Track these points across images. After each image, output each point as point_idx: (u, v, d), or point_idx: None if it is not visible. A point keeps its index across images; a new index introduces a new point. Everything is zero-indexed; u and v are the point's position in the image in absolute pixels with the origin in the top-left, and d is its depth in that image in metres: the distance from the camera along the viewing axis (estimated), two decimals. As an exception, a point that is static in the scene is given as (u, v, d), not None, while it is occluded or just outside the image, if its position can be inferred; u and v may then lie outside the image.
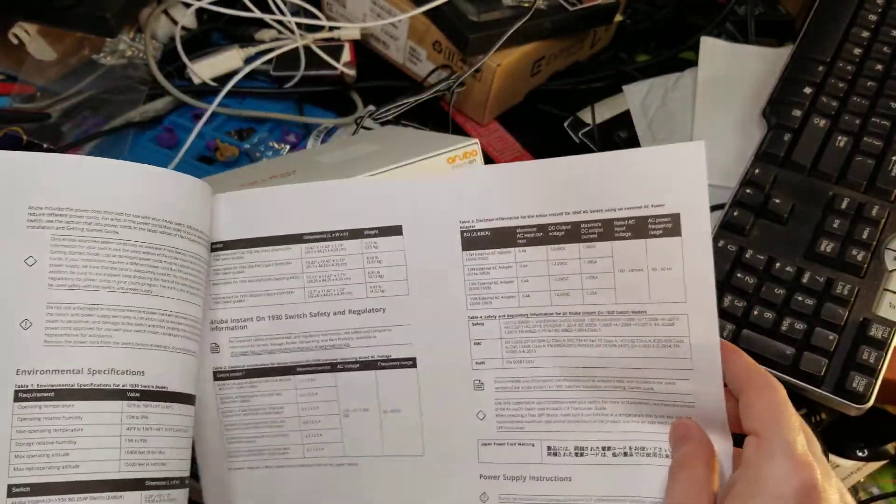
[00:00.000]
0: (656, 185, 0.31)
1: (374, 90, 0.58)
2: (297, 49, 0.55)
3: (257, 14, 0.53)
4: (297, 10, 0.56)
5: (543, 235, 0.33)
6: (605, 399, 0.33)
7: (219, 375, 0.36)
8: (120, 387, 0.31)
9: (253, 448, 0.36)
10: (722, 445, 0.31)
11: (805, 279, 0.39)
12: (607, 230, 0.32)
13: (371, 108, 0.54)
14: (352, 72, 0.57)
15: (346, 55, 0.56)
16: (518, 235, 0.33)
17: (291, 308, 0.35)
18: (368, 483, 0.35)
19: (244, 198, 0.35)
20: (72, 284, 0.30)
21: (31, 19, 0.52)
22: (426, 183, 0.34)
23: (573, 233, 0.32)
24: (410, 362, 0.34)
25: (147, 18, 0.56)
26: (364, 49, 0.58)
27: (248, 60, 0.56)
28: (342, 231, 0.34)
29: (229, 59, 0.56)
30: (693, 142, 0.31)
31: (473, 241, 0.33)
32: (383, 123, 0.52)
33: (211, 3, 0.54)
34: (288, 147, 0.54)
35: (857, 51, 0.48)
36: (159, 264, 0.32)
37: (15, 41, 0.53)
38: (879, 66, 0.47)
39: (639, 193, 0.31)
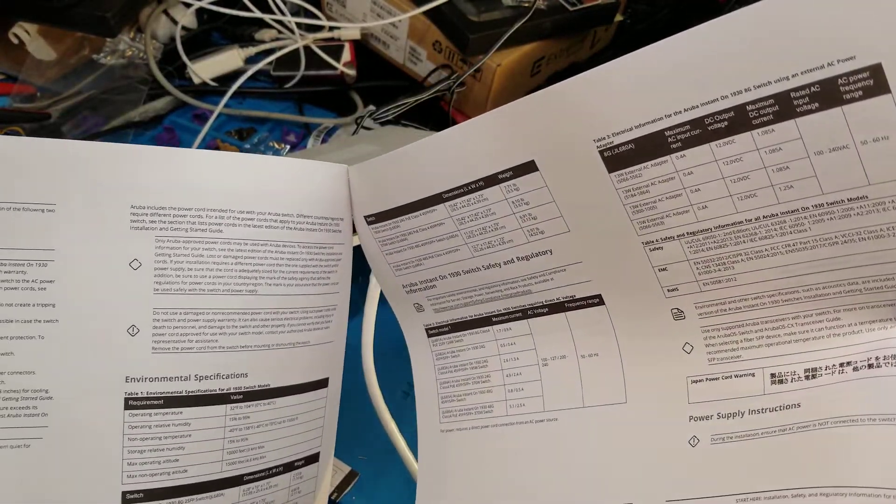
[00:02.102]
0: (835, 31, 0.24)
1: (374, 90, 0.58)
2: (297, 49, 0.55)
3: (257, 14, 0.53)
4: (297, 10, 0.56)
5: (702, 132, 0.26)
6: (838, 308, 0.28)
7: (430, 332, 0.35)
8: (224, 391, 0.31)
9: (462, 407, 0.34)
10: None
11: None
12: (785, 107, 0.25)
13: (371, 108, 0.54)
14: (352, 72, 0.57)
15: (346, 55, 0.56)
16: (669, 139, 0.27)
17: (464, 264, 0.33)
18: (570, 439, 0.32)
19: (370, 169, 0.33)
20: (178, 288, 0.29)
21: (31, 19, 0.52)
22: (543, 103, 0.28)
23: (739, 119, 0.25)
24: (597, 299, 0.31)
25: (147, 18, 0.56)
26: (364, 49, 0.58)
27: (248, 60, 0.56)
28: (477, 181, 0.31)
29: (229, 59, 0.56)
30: None
31: (617, 158, 0.28)
32: (383, 123, 0.52)
33: (211, 3, 0.54)
34: (288, 147, 0.54)
35: (858, 51, 0.48)
36: (267, 261, 0.31)
37: (15, 41, 0.53)
38: (880, 66, 0.47)
39: (814, 48, 0.24)
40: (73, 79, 0.54)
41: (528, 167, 0.29)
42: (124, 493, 0.29)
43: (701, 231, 0.28)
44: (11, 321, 0.28)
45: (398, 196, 0.32)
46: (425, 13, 0.52)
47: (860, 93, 0.24)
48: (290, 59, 0.56)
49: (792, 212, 0.26)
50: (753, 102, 0.25)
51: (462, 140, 0.30)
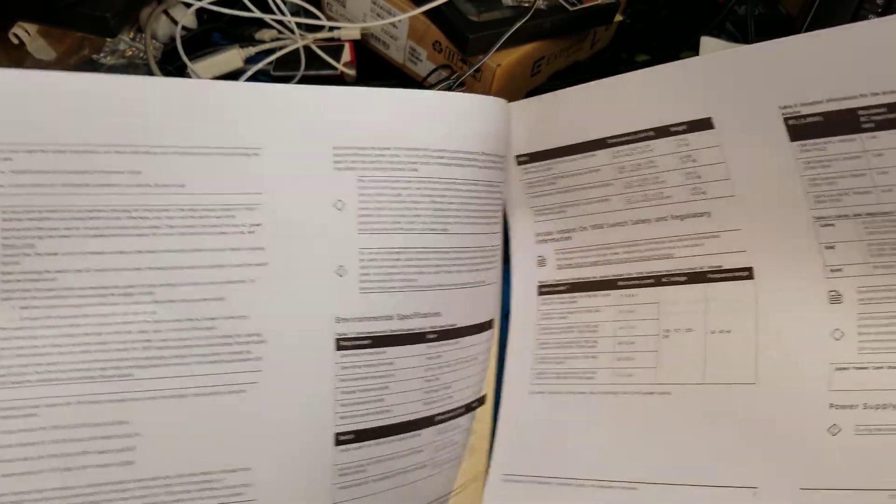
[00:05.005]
0: None
1: (374, 90, 0.58)
2: (297, 49, 0.55)
3: (257, 14, 0.53)
4: (297, 10, 0.56)
5: None
6: None
7: (543, 290, 0.34)
8: (422, 329, 0.31)
9: (560, 370, 0.33)
10: None
11: None
12: None
13: (371, 108, 0.54)
14: (352, 72, 0.57)
15: (346, 55, 0.56)
16: (862, 118, 0.26)
17: (611, 216, 0.32)
18: (682, 414, 0.30)
19: (538, 105, 0.33)
20: (381, 228, 0.30)
21: (31, 19, 0.52)
22: (733, 61, 0.28)
23: None
24: (746, 272, 0.30)
25: (147, 18, 0.56)
26: (364, 49, 0.58)
27: (248, 60, 0.56)
28: (647, 130, 0.30)
29: (229, 59, 0.56)
30: None
31: (803, 128, 0.27)
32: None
33: (211, 3, 0.54)
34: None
35: (858, 51, 0.48)
36: (455, 199, 0.31)
37: (15, 41, 0.53)
38: (879, 66, 0.47)
39: None
40: (73, 79, 0.54)
41: (704, 124, 0.29)
42: (337, 435, 0.29)
43: (882, 213, 0.27)
44: (222, 266, 0.28)
45: (559, 136, 0.32)
46: (425, 13, 0.52)
47: None
48: (290, 59, 0.56)
49: None
50: None
51: (639, 86, 0.30)
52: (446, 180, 0.31)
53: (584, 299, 0.33)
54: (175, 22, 0.56)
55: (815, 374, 0.29)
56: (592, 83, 0.30)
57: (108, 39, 0.55)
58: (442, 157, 0.30)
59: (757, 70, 0.27)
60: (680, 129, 0.29)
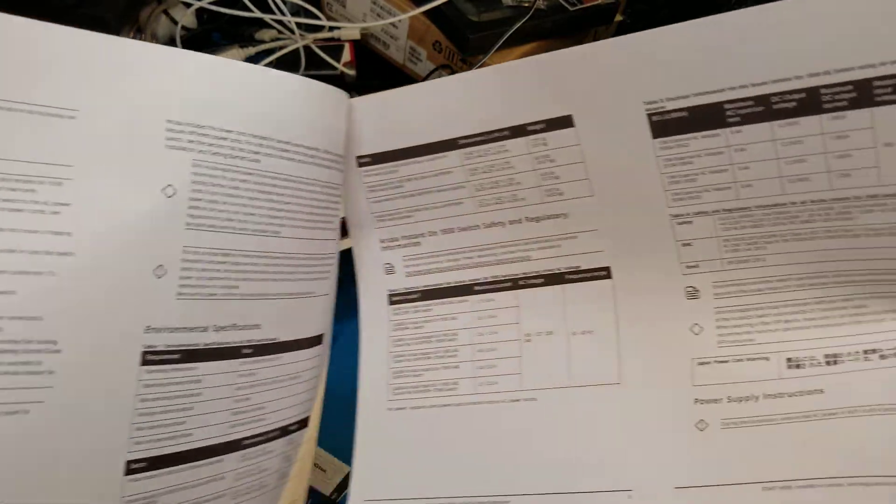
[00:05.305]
0: None
1: (374, 90, 0.58)
2: (297, 49, 0.55)
3: (257, 14, 0.53)
4: (297, 10, 0.56)
5: (765, 110, 0.25)
6: (865, 294, 0.27)
7: (394, 299, 0.32)
8: (238, 343, 0.27)
9: (419, 383, 0.32)
10: None
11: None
12: (863, 94, 0.24)
13: (371, 108, 0.54)
14: (352, 72, 0.57)
15: (346, 55, 0.56)
16: (728, 113, 0.26)
17: (463, 220, 0.31)
18: (549, 420, 0.30)
19: (384, 102, 0.30)
20: (210, 224, 0.25)
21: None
22: (594, 55, 0.27)
23: (810, 102, 0.25)
24: (604, 272, 0.30)
25: (147, 18, 0.56)
26: (364, 49, 0.58)
27: (248, 60, 0.56)
28: (501, 130, 0.29)
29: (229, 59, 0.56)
30: None
31: (666, 124, 0.27)
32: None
33: (211, 3, 0.54)
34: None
35: (858, 51, 0.48)
36: (293, 199, 0.28)
37: (15, 41, 0.53)
38: (879, 66, 0.47)
39: None
40: (73, 79, 0.54)
41: (564, 122, 0.28)
42: (128, 463, 0.25)
43: (739, 209, 0.27)
44: (13, 251, 0.22)
45: (406, 136, 0.30)
46: (425, 13, 0.52)
47: None
48: (290, 59, 0.56)
49: (842, 199, 0.26)
50: (829, 86, 0.24)
51: (494, 83, 0.28)
52: (286, 177, 0.27)
53: (439, 307, 0.32)
54: (175, 22, 0.56)
55: (678, 370, 0.29)
56: (442, 79, 0.29)
57: (108, 39, 0.55)
58: (286, 150, 0.27)
59: (619, 65, 0.26)
60: (537, 127, 0.28)
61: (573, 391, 0.30)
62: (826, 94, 0.24)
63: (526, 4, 0.52)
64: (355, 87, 0.58)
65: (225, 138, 0.25)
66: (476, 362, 0.31)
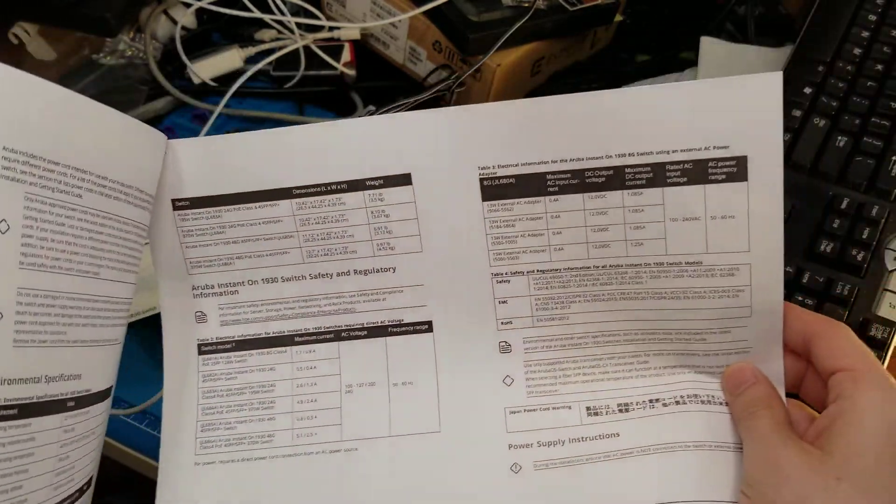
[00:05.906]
0: (719, 123, 0.27)
1: (374, 90, 0.58)
2: (297, 49, 0.55)
3: (257, 14, 0.53)
4: (297, 10, 0.56)
5: (579, 182, 0.29)
6: (648, 352, 0.31)
7: (204, 349, 0.31)
8: (63, 395, 0.25)
9: (231, 437, 0.31)
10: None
11: (805, 279, 0.39)
12: (658, 175, 0.28)
13: (371, 108, 0.54)
14: (352, 72, 0.57)
15: (346, 55, 0.56)
16: (549, 183, 0.29)
17: (287, 270, 0.30)
18: (370, 470, 0.30)
19: (212, 145, 0.29)
20: (40, 264, 0.23)
21: (31, 19, 0.52)
22: (437, 121, 0.29)
23: (616, 178, 0.28)
24: (426, 326, 0.31)
25: (147, 18, 0.56)
26: (364, 49, 0.58)
27: (248, 60, 0.56)
28: (339, 183, 0.29)
29: (229, 59, 0.56)
30: (768, 73, 0.27)
31: (495, 190, 0.29)
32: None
33: (211, 3, 0.54)
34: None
35: (857, 51, 0.48)
36: (110, 239, 0.26)
37: (15, 41, 0.53)
38: (879, 66, 0.47)
39: (697, 134, 0.28)
40: (73, 79, 0.54)
41: (403, 179, 0.29)
42: None
43: (551, 270, 0.30)
44: None
45: (234, 183, 0.29)
46: (425, 13, 0.52)
47: (723, 176, 0.28)
48: (290, 59, 0.56)
49: (635, 265, 0.29)
50: (633, 167, 0.28)
51: (339, 137, 0.29)
52: (105, 214, 0.26)
53: (256, 357, 0.31)
54: (175, 22, 0.56)
55: (493, 418, 0.31)
56: (282, 129, 0.29)
57: (108, 39, 0.55)
58: (104, 186, 0.25)
59: (460, 131, 0.29)
60: (376, 183, 0.29)
61: (394, 440, 0.30)
62: (629, 173, 0.28)
63: (526, 4, 0.52)
64: (355, 87, 0.58)
65: (52, 170, 0.24)
66: (294, 413, 0.31)
